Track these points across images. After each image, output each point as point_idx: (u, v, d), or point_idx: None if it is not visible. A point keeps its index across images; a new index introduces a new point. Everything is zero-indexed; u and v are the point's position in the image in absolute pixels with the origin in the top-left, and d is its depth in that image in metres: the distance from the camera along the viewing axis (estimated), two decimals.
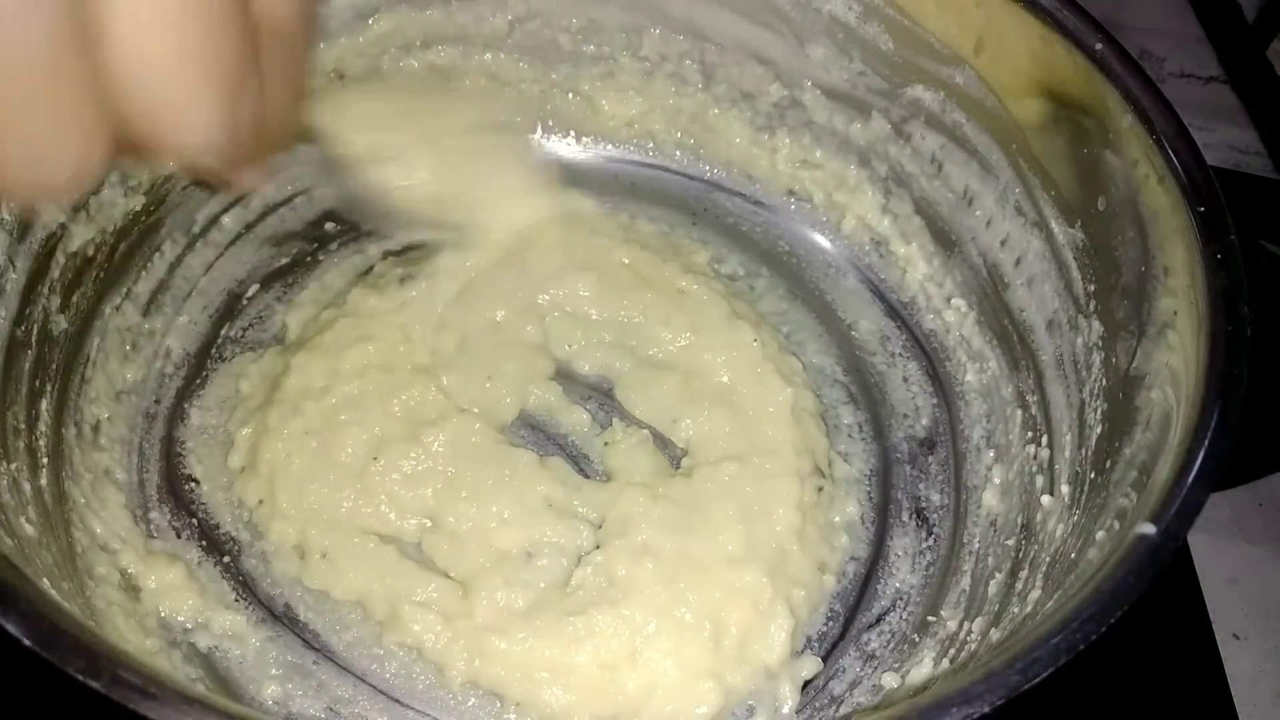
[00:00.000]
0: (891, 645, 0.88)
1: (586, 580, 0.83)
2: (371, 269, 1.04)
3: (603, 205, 1.12)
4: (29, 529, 0.73)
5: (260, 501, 0.88)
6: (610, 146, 1.18)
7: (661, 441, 0.95)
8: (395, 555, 0.85)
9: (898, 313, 1.08)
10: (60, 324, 0.86)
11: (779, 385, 0.95)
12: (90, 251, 0.89)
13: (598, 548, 0.85)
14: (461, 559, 0.85)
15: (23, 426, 0.80)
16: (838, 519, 0.93)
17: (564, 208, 1.08)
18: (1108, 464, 0.76)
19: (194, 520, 0.89)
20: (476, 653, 0.81)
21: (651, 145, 1.17)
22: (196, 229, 1.03)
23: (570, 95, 1.15)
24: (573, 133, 1.17)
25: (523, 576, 0.84)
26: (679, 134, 1.16)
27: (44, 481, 0.80)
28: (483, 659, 0.81)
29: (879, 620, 0.89)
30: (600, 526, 0.87)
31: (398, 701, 0.82)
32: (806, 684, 0.84)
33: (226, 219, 1.05)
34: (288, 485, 0.87)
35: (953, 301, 1.04)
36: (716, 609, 0.82)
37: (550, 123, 1.17)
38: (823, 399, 1.01)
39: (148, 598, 0.82)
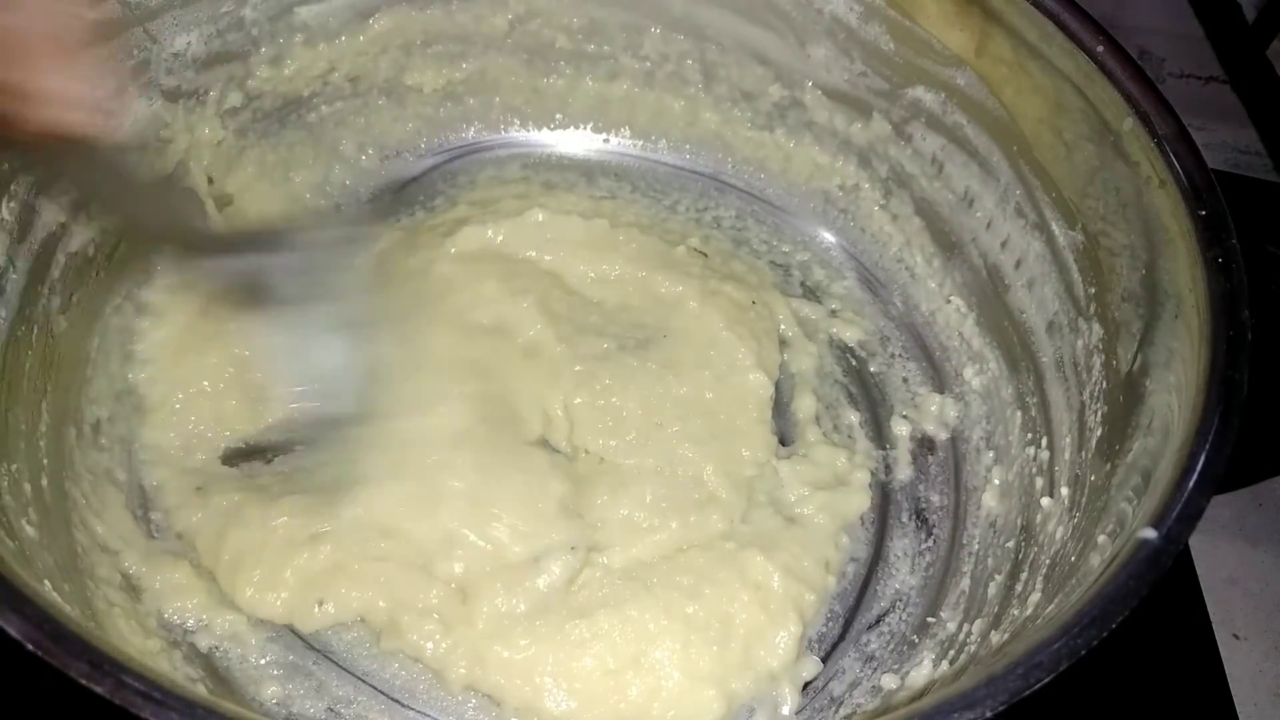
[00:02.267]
0: (891, 646, 0.88)
1: (592, 581, 0.83)
2: None
3: (595, 193, 1.14)
4: (30, 530, 0.73)
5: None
6: (612, 138, 1.19)
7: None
8: (397, 567, 0.84)
9: (898, 313, 1.08)
10: (60, 324, 0.86)
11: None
12: (90, 251, 0.89)
13: (599, 549, 0.85)
14: (465, 566, 0.84)
15: (23, 427, 0.80)
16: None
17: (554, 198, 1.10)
18: (1108, 467, 0.76)
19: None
20: (476, 660, 0.80)
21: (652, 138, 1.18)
22: None
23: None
24: (574, 125, 1.18)
25: (525, 581, 0.83)
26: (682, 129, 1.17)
27: (45, 482, 0.80)
28: (483, 666, 0.80)
29: (878, 621, 0.89)
30: (605, 526, 0.87)
31: (398, 702, 0.82)
32: (806, 685, 0.85)
33: None
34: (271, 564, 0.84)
35: (953, 302, 1.04)
36: (726, 607, 0.82)
37: (559, 116, 1.18)
38: (823, 399, 1.01)
39: (149, 598, 0.82)
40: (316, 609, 0.82)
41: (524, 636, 0.80)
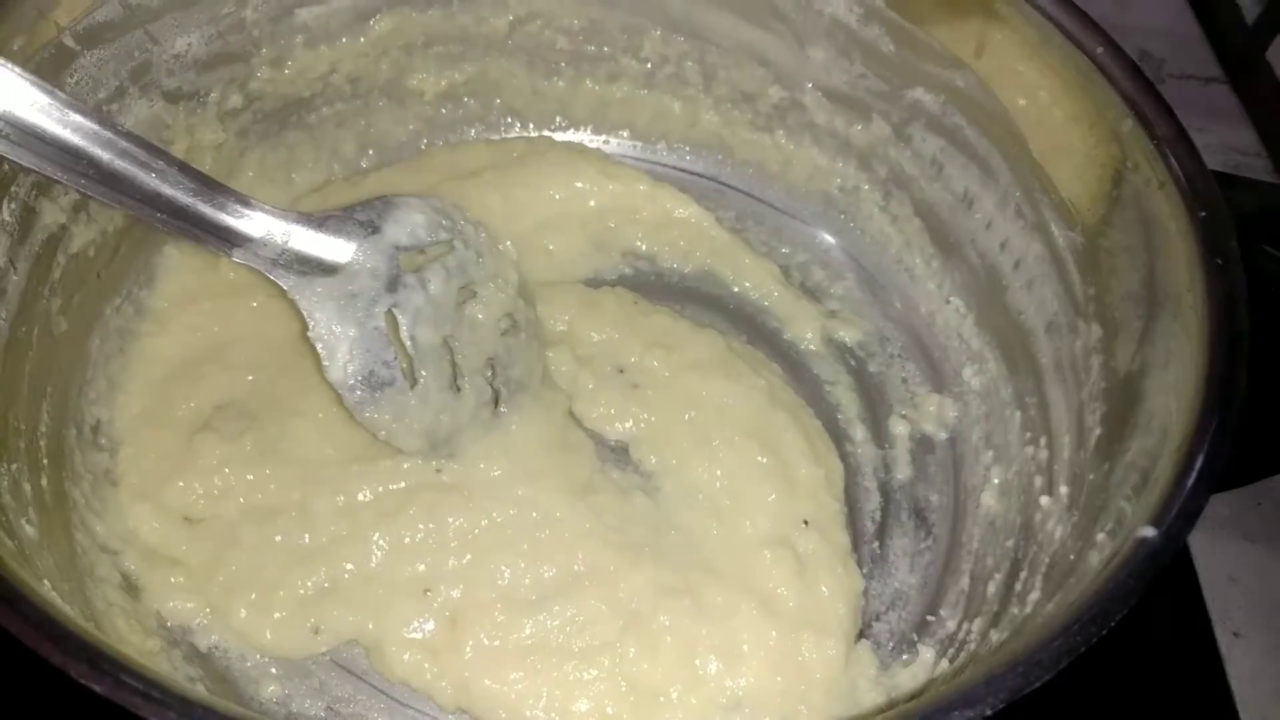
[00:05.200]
0: (891, 645, 0.88)
1: (598, 622, 0.81)
2: None
3: None
4: (30, 530, 0.73)
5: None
6: (612, 139, 1.19)
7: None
8: (391, 589, 0.83)
9: (897, 313, 1.08)
10: (60, 324, 0.86)
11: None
12: (90, 252, 0.89)
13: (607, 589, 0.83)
14: (463, 591, 0.83)
15: (23, 427, 0.80)
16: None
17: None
18: (1107, 466, 0.76)
19: None
20: (462, 689, 0.80)
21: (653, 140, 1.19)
22: None
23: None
24: (574, 127, 1.19)
25: (525, 616, 0.81)
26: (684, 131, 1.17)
27: (44, 482, 0.80)
28: (469, 696, 0.80)
29: (878, 619, 0.89)
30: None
31: (397, 701, 0.83)
32: None
33: None
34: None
35: (952, 302, 1.04)
36: (733, 648, 0.81)
37: (559, 118, 1.18)
38: (824, 399, 1.02)
39: (148, 598, 0.82)
40: (312, 635, 0.82)
41: (516, 670, 0.79)
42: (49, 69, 0.81)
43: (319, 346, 0.80)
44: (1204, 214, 0.74)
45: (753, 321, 1.07)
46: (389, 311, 0.81)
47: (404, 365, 0.82)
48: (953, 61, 0.94)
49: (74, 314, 0.88)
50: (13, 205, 0.80)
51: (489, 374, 0.88)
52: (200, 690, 0.75)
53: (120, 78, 0.89)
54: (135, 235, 0.95)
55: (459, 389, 0.85)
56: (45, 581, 0.68)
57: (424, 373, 0.83)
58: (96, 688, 0.52)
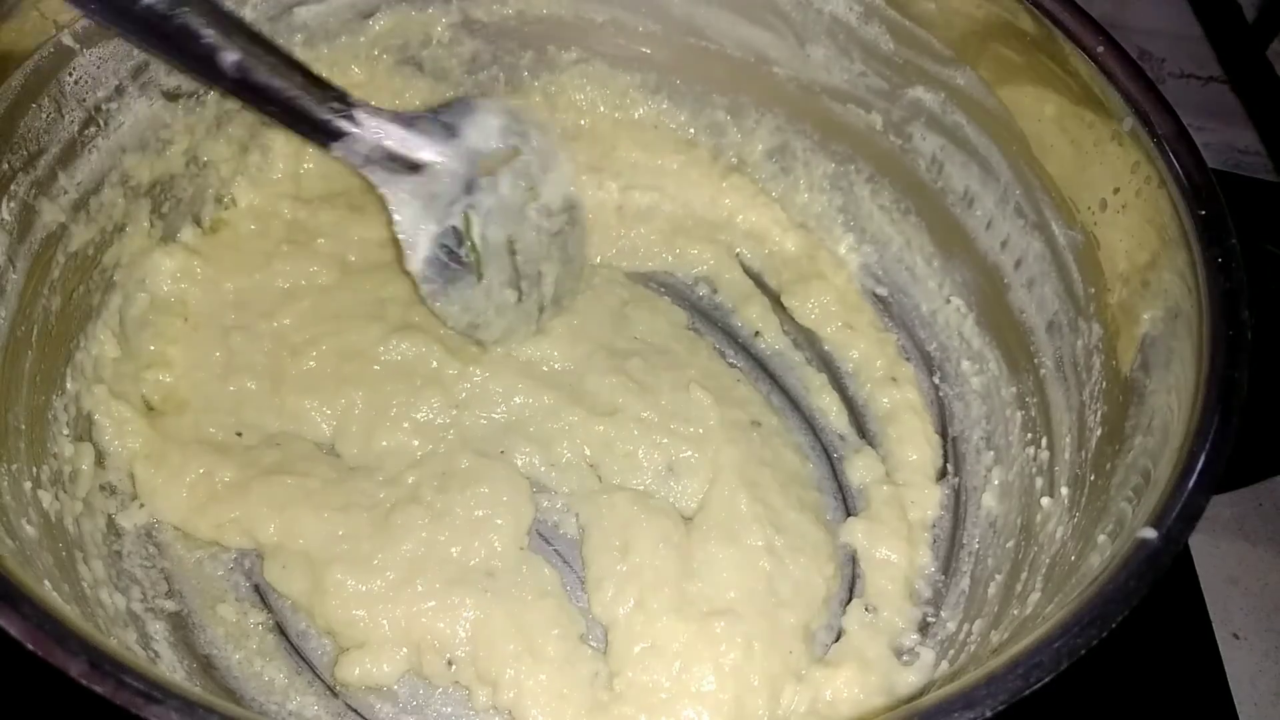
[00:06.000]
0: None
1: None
2: None
3: None
4: (30, 530, 0.73)
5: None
6: None
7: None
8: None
9: (898, 312, 1.08)
10: (61, 324, 0.86)
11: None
12: (90, 251, 0.89)
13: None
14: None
15: (23, 427, 0.80)
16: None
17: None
18: (1108, 467, 0.76)
19: None
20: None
21: None
22: None
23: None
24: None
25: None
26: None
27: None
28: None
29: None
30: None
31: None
32: None
33: None
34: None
35: (952, 302, 1.04)
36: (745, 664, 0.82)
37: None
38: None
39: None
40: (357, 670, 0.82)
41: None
42: (48, 67, 0.81)
43: (402, 240, 0.88)
44: (1204, 213, 0.74)
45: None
46: (464, 211, 0.88)
47: (472, 260, 0.90)
48: (953, 60, 0.94)
49: (73, 313, 0.88)
50: (12, 204, 0.79)
51: (538, 275, 0.95)
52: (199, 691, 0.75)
53: (119, 76, 0.88)
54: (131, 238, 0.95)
55: (519, 289, 0.94)
56: (45, 581, 0.68)
57: (489, 269, 0.90)
58: (98, 688, 0.52)
